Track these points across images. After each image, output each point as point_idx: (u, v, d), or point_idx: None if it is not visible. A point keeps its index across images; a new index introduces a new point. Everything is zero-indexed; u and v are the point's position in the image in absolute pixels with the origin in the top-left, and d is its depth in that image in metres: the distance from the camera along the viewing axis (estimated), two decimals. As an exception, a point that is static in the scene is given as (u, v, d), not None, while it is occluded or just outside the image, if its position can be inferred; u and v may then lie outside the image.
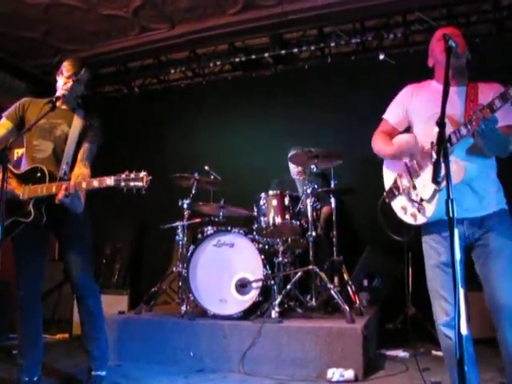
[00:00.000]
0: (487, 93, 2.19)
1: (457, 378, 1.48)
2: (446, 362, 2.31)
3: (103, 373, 3.01)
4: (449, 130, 2.06)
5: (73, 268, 2.96)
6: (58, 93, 2.99)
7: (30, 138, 2.99)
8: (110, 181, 2.68)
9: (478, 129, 1.97)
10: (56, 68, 3.13)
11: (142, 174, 2.67)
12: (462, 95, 2.24)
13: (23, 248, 2.91)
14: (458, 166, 2.07)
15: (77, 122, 3.04)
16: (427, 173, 2.21)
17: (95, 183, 2.72)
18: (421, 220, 2.24)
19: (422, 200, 2.22)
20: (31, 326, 2.96)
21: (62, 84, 3.01)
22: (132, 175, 2.66)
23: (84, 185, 2.74)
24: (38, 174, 2.84)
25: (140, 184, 2.65)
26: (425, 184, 2.21)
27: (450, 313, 2.18)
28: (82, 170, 2.96)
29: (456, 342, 1.46)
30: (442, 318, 2.22)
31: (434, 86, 2.38)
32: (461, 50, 2.19)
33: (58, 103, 2.99)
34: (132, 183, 2.65)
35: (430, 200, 2.17)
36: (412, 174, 2.32)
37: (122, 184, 2.66)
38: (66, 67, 3.03)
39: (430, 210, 2.17)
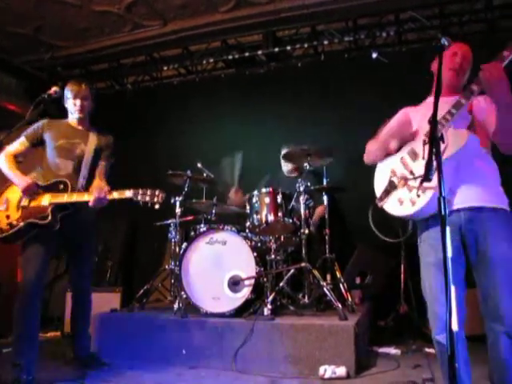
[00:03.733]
0: (481, 102, 2.21)
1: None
2: (441, 370, 2.25)
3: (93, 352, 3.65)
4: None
5: (82, 280, 3.51)
6: (75, 116, 3.37)
7: (52, 156, 3.29)
8: (129, 193, 3.06)
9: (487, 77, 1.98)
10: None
11: (158, 191, 3.07)
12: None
13: (36, 250, 3.10)
14: (459, 132, 2.05)
15: (92, 140, 3.38)
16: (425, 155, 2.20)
17: (115, 194, 3.09)
18: (421, 202, 2.15)
19: (422, 180, 2.17)
20: (33, 325, 3.06)
21: (72, 107, 3.34)
22: (148, 192, 3.05)
23: (106, 194, 3.07)
24: (61, 186, 3.17)
25: (156, 199, 3.05)
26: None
27: (443, 317, 2.14)
28: (99, 182, 3.28)
29: (447, 338, 1.46)
30: (439, 325, 2.14)
31: (428, 101, 2.38)
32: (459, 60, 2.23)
33: (74, 124, 3.41)
34: (148, 198, 3.03)
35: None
36: (409, 161, 2.30)
37: (139, 198, 3.04)
38: (69, 90, 3.34)
39: (433, 184, 2.03)
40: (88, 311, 3.57)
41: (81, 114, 3.34)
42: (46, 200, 3.11)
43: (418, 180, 2.17)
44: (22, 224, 3.06)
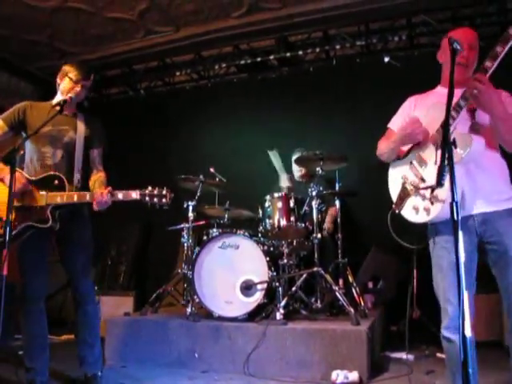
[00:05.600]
0: None
1: (458, 380, 1.48)
2: (447, 364, 2.31)
3: (99, 373, 3.03)
4: None
5: (77, 275, 3.00)
6: (64, 96, 2.99)
7: (36, 144, 2.98)
8: (135, 194, 2.79)
9: (473, 91, 1.98)
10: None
11: (165, 191, 2.82)
12: None
13: (29, 252, 2.91)
14: (465, 136, 2.03)
15: (80, 128, 3.06)
16: (433, 159, 2.20)
17: (120, 196, 2.80)
18: (435, 209, 2.16)
19: (433, 188, 2.15)
20: (40, 328, 2.97)
21: (69, 88, 3.01)
22: (155, 191, 2.80)
23: (109, 197, 2.77)
24: (56, 182, 2.86)
25: (164, 201, 2.80)
26: (433, 171, 2.12)
27: (455, 316, 2.16)
28: (99, 173, 3.06)
29: (460, 344, 1.46)
30: (447, 322, 2.21)
31: (439, 91, 2.39)
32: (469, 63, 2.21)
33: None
34: (156, 199, 2.79)
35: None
36: (418, 167, 2.30)
37: (147, 199, 2.79)
38: (73, 72, 3.03)
39: (444, 193, 2.09)
40: (91, 317, 3.06)
41: (73, 95, 2.97)
42: (42, 200, 2.81)
43: (429, 188, 2.19)
44: (18, 228, 2.78)
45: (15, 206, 2.74)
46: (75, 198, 2.82)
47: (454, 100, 2.03)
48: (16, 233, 2.78)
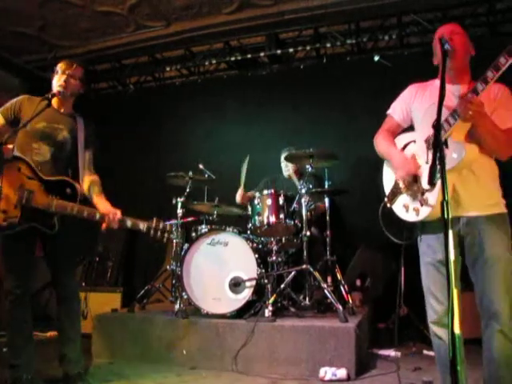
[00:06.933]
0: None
1: (446, 376, 1.49)
2: (436, 360, 2.34)
3: (82, 370, 3.03)
4: (445, 115, 2.09)
5: (63, 273, 3.00)
6: (54, 90, 3.00)
7: (28, 139, 2.95)
8: (142, 226, 2.85)
9: (466, 113, 2.00)
10: (50, 64, 3.14)
11: (169, 226, 2.89)
12: (460, 91, 2.24)
13: (15, 245, 2.88)
14: (458, 145, 2.06)
15: (81, 131, 3.08)
16: (428, 163, 2.21)
17: (128, 223, 2.85)
18: (424, 212, 2.20)
19: (424, 192, 2.20)
20: (25, 324, 2.93)
21: (56, 82, 3.02)
22: (161, 226, 2.86)
23: (119, 223, 2.81)
24: (68, 190, 2.87)
25: (164, 237, 2.87)
26: (426, 172, 2.17)
27: (440, 311, 2.21)
28: (92, 177, 3.05)
29: (449, 341, 1.47)
30: (432, 316, 2.26)
31: (437, 85, 2.39)
32: (459, 51, 2.20)
33: (55, 105, 3.04)
34: (158, 234, 2.86)
35: (431, 189, 2.15)
36: None
37: (151, 233, 2.84)
38: (59, 66, 3.07)
39: (433, 198, 2.14)
40: (73, 315, 3.07)
41: (60, 88, 2.97)
42: (51, 206, 2.77)
43: (421, 189, 2.23)
44: (24, 225, 2.76)
45: (24, 204, 2.76)
46: (85, 214, 2.81)
47: (452, 98, 2.05)
48: (19, 230, 2.77)
